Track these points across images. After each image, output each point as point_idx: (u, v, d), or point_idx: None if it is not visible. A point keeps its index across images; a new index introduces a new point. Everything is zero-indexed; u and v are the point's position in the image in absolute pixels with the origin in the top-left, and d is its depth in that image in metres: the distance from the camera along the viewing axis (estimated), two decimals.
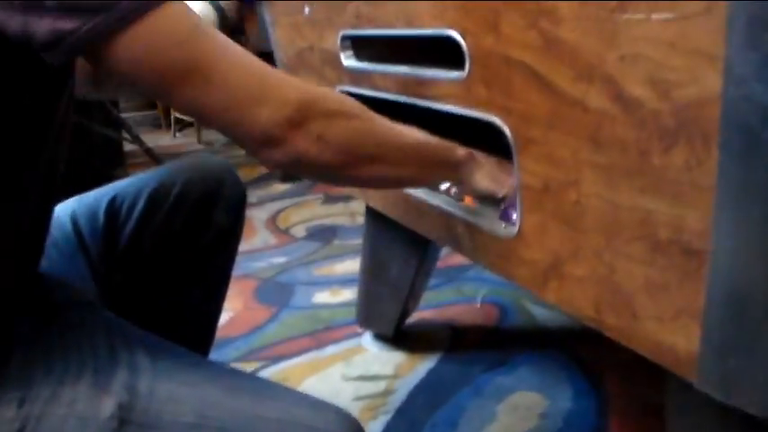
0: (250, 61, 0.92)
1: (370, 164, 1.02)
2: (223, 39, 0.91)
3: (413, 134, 1.10)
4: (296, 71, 1.81)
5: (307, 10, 1.59)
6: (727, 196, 0.72)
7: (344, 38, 1.46)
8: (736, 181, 0.71)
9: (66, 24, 0.80)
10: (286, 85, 0.93)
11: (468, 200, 1.31)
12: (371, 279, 2.04)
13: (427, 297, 2.25)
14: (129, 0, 0.81)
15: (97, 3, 0.81)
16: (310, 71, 1.70)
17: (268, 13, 1.87)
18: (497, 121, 1.04)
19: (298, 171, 1.00)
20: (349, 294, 2.49)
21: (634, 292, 0.88)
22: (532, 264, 1.06)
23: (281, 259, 2.96)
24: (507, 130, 1.02)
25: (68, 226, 1.27)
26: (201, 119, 0.93)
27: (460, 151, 1.15)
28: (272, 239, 3.24)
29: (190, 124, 5.93)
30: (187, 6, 0.89)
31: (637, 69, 0.78)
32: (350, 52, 1.48)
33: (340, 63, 1.49)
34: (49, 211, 1.07)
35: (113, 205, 1.29)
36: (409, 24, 1.20)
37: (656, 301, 0.85)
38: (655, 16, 0.74)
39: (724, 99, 0.69)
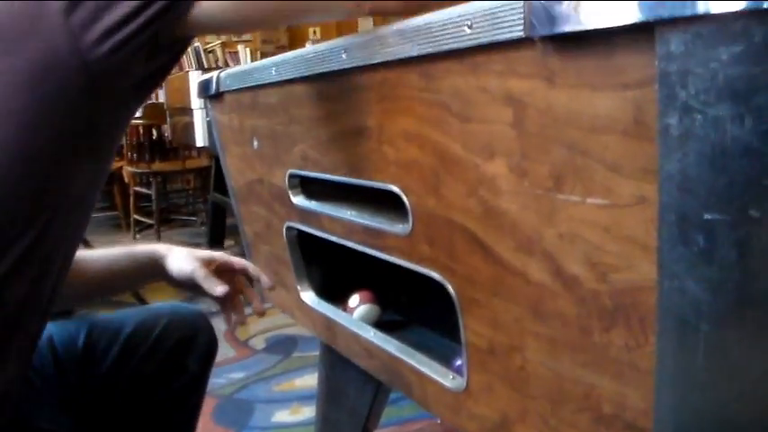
0: None
1: None
2: None
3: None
4: (246, 202, 1.80)
5: (255, 144, 1.59)
6: (666, 382, 0.71)
7: (292, 176, 1.46)
8: (675, 369, 0.70)
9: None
10: None
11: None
12: (328, 405, 2.00)
13: (388, 413, 2.21)
14: None
15: None
16: (260, 203, 1.70)
17: (218, 140, 1.87)
18: (441, 279, 1.03)
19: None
20: (308, 412, 2.45)
21: None
22: (481, 419, 1.05)
23: (239, 374, 2.92)
24: (451, 289, 1.01)
25: (45, 347, 1.26)
26: None
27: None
28: (231, 352, 3.20)
29: (150, 226, 5.90)
30: None
31: (575, 249, 0.78)
32: (298, 190, 1.48)
33: (289, 199, 1.49)
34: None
35: (91, 338, 1.29)
36: (353, 173, 1.20)
37: None
38: (590, 200, 0.74)
39: (659, 289, 0.68)
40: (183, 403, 1.37)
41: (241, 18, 0.99)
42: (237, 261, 1.43)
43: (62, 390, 1.25)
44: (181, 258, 1.33)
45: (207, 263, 1.36)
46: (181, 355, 1.33)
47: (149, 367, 1.31)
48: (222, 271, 1.38)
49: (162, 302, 1.46)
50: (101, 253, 1.36)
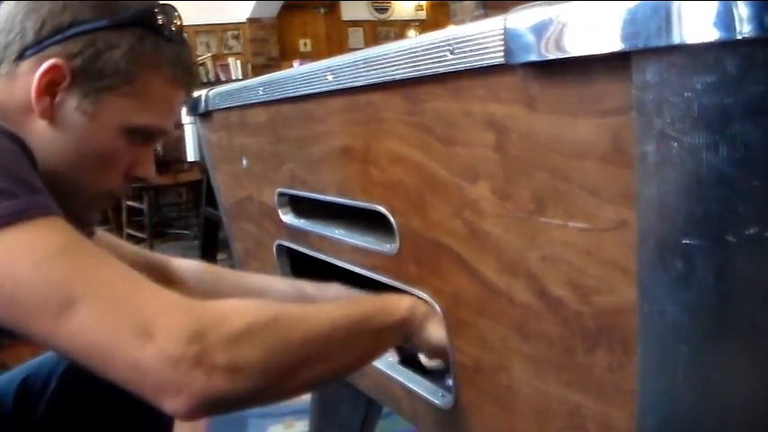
0: (130, 284, 0.81)
1: (303, 368, 0.88)
2: (97, 258, 0.82)
3: (340, 309, 0.99)
4: (237, 219, 1.81)
5: (244, 162, 1.60)
6: (649, 403, 0.72)
7: (281, 194, 1.47)
8: (657, 390, 0.71)
9: None
10: (172, 312, 0.79)
11: None
12: (322, 420, 2.02)
13: (381, 426, 2.21)
14: None
15: None
16: (251, 221, 1.71)
17: (208, 158, 1.88)
18: (429, 299, 1.04)
19: (218, 411, 0.82)
20: (302, 426, 2.45)
21: None
22: None
23: None
24: (438, 308, 1.02)
25: None
26: (72, 359, 0.79)
27: (403, 302, 1.03)
28: None
29: (142, 240, 5.90)
30: (58, 222, 0.82)
31: (557, 271, 0.79)
32: (287, 208, 1.48)
33: (278, 218, 1.50)
34: None
35: (24, 387, 1.23)
36: (340, 193, 1.21)
37: None
38: (571, 224, 0.76)
39: (640, 312, 0.69)
40: None
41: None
42: None
43: None
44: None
45: None
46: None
47: (91, 404, 1.21)
48: None
49: None
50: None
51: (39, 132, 0.95)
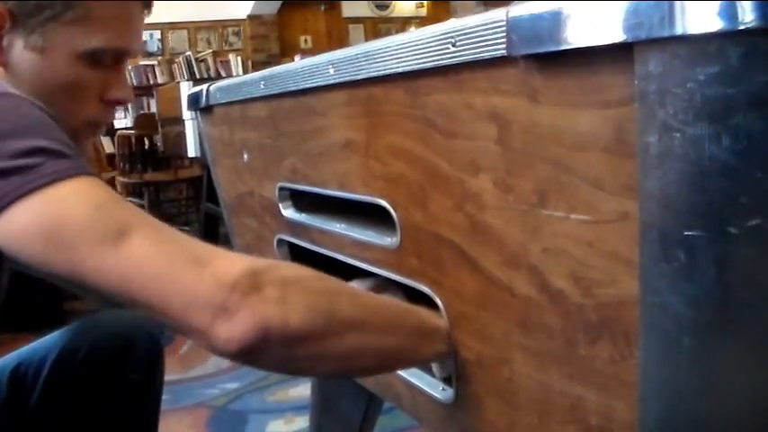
0: (180, 234, 0.84)
1: (349, 330, 0.86)
2: (143, 211, 0.86)
3: (389, 300, 1.00)
4: (238, 214, 1.81)
5: (245, 156, 1.60)
6: (651, 395, 0.72)
7: (282, 189, 1.47)
8: (659, 382, 0.71)
9: None
10: (224, 253, 0.82)
11: None
12: (322, 415, 2.01)
13: (381, 422, 2.21)
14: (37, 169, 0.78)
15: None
16: (251, 215, 1.71)
17: (209, 153, 1.88)
18: (430, 292, 1.04)
19: (265, 349, 0.79)
20: (302, 422, 2.45)
21: None
22: (471, 431, 1.06)
23: (233, 385, 2.92)
24: (439, 302, 1.02)
25: None
26: (125, 296, 0.79)
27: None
28: (224, 362, 3.20)
29: None
30: (100, 180, 0.85)
31: (559, 263, 0.79)
32: (288, 203, 1.48)
33: (279, 212, 1.50)
34: None
35: (17, 374, 1.23)
36: (341, 187, 1.21)
37: None
38: (573, 216, 0.75)
39: (642, 304, 0.69)
40: (132, 416, 1.31)
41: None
42: None
43: None
44: None
45: None
46: (117, 368, 1.26)
47: (83, 389, 1.24)
48: None
49: (97, 315, 1.36)
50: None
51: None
